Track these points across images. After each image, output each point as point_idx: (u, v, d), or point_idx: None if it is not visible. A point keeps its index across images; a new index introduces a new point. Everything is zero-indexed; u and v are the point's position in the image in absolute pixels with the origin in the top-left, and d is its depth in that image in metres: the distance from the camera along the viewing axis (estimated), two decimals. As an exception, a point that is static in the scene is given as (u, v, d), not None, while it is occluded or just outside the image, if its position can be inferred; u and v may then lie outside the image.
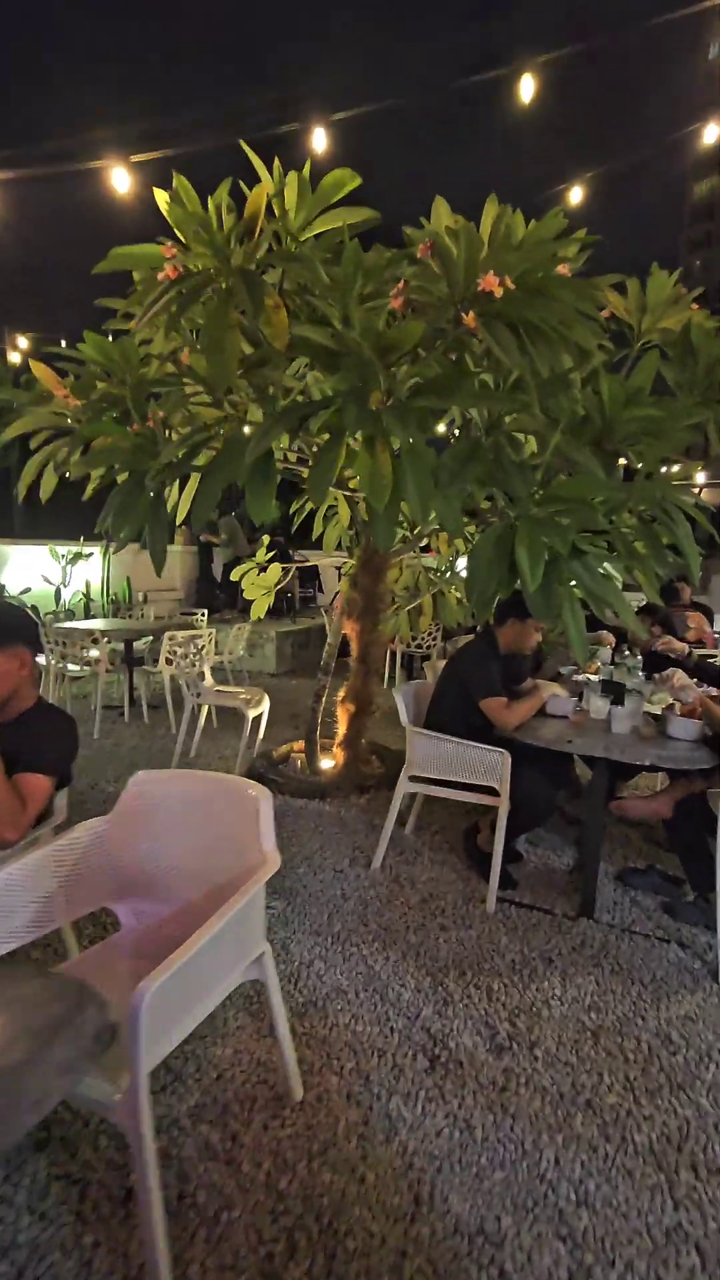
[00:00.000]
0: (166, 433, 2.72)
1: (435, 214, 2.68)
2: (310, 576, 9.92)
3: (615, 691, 2.88)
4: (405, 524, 3.76)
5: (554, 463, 2.70)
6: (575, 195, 5.16)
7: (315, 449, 2.45)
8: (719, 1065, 1.93)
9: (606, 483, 2.33)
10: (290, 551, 9.56)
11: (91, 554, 8.42)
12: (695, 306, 3.48)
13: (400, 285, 2.34)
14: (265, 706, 4.47)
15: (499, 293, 2.21)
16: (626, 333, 3.70)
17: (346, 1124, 1.66)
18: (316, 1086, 1.78)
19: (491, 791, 2.75)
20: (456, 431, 3.47)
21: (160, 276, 2.41)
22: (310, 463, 2.40)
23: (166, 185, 2.52)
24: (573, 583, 2.35)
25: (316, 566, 9.38)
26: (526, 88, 4.40)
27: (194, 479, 2.62)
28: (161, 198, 2.57)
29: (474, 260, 2.30)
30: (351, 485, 3.07)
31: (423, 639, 6.70)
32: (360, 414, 2.11)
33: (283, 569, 5.10)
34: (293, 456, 3.30)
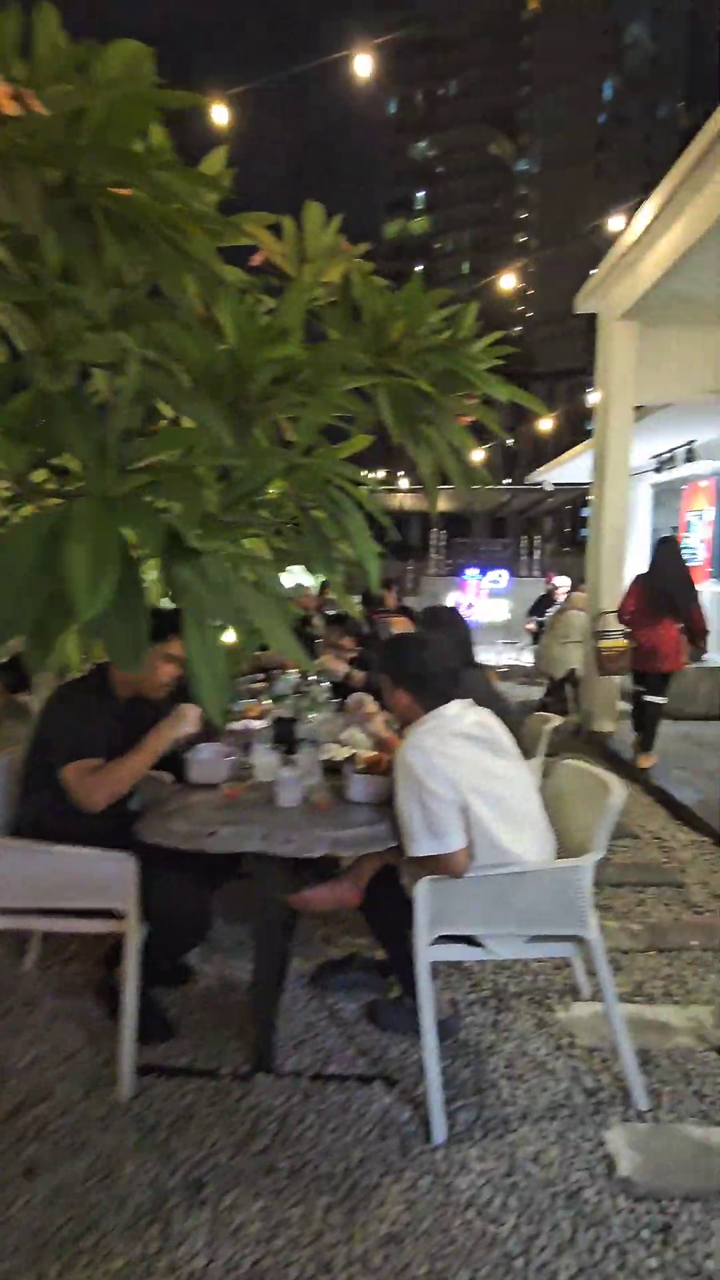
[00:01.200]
0: None
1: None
2: None
3: (286, 736, 2.16)
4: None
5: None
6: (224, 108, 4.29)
7: None
8: (435, 1330, 1.26)
9: (231, 441, 1.55)
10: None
11: None
12: (359, 261, 2.97)
13: None
14: None
15: (11, 109, 1.30)
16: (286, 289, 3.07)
17: None
18: None
19: (115, 915, 1.83)
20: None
21: None
22: None
23: None
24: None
25: None
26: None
27: None
28: None
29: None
30: None
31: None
32: None
33: None
34: None
